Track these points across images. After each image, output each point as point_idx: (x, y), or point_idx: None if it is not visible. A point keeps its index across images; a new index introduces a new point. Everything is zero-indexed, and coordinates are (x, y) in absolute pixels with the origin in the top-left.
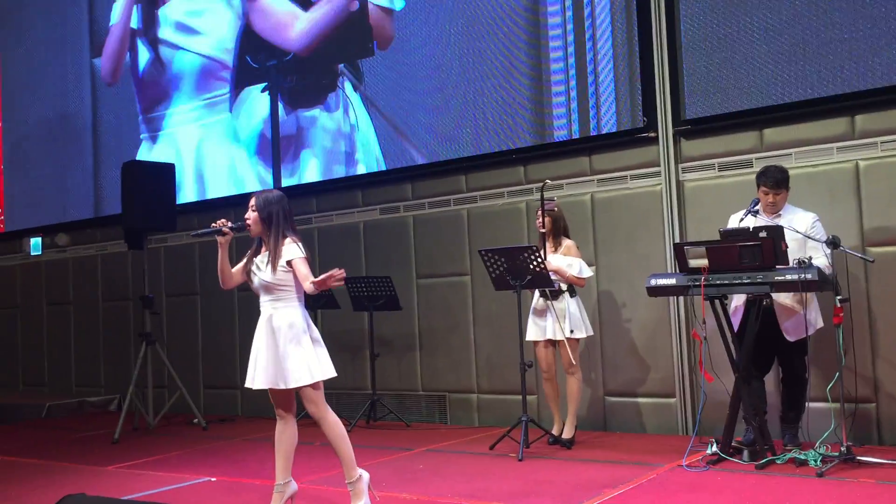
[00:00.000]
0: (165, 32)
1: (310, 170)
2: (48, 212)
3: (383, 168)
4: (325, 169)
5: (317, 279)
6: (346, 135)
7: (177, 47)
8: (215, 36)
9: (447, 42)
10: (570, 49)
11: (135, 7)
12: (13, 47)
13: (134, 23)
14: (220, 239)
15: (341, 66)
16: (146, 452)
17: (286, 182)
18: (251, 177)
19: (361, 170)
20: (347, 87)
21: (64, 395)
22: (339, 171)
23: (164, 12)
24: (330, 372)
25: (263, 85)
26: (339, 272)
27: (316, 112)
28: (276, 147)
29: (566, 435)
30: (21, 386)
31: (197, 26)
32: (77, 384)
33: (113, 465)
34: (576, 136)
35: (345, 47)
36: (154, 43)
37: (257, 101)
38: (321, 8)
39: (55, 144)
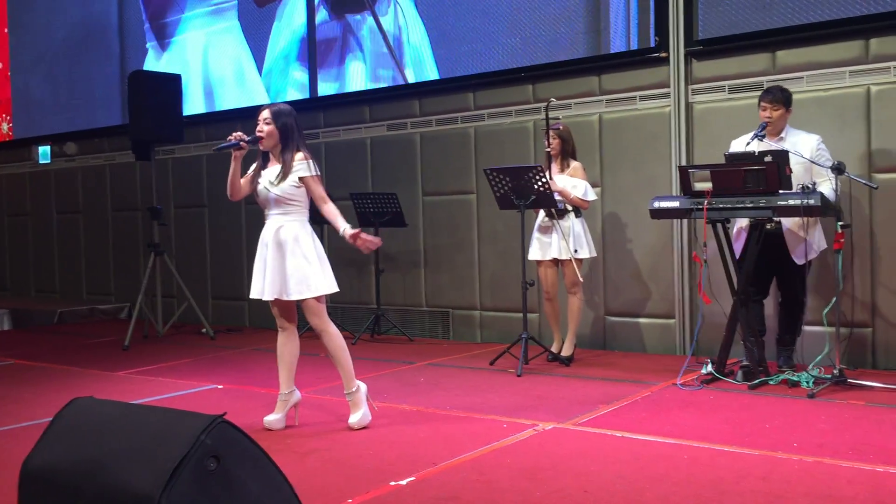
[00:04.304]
0: None
1: (354, 75)
2: (56, 120)
3: (436, 76)
4: (372, 74)
5: (355, 232)
6: (395, 39)
7: None
8: None
9: None
10: None
11: None
12: None
13: None
14: (235, 152)
15: None
16: (155, 359)
17: (328, 88)
18: (291, 83)
19: (410, 77)
20: None
21: (75, 302)
22: (387, 77)
23: None
24: (332, 286)
25: None
26: (376, 241)
27: (360, 17)
28: (313, 53)
29: (565, 352)
30: (33, 292)
31: None
32: (88, 292)
33: (123, 370)
34: (585, 55)
35: None
36: None
37: (298, 5)
38: None
39: (61, 52)
